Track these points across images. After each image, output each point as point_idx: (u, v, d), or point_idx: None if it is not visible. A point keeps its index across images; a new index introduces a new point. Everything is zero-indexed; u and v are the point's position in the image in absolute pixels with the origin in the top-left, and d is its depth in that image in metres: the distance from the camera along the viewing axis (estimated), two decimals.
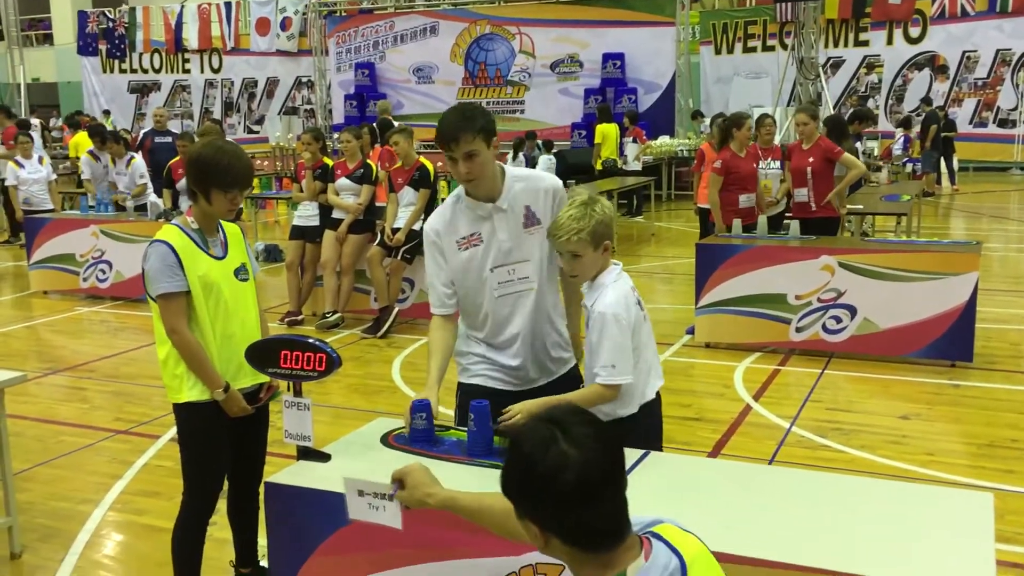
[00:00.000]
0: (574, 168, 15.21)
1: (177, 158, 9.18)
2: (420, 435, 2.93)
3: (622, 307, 2.87)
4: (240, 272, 3.37)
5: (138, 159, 10.48)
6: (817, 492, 2.60)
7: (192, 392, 3.25)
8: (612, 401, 2.89)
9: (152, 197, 9.90)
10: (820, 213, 7.54)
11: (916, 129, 16.56)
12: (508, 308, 3.14)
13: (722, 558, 1.71)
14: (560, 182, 3.22)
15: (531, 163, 14.58)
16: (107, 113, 23.84)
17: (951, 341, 6.35)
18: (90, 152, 10.89)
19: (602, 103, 16.86)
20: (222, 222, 3.40)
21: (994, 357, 6.70)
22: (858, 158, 10.23)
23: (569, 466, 1.54)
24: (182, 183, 8.91)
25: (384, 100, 15.68)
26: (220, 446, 3.35)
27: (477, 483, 2.66)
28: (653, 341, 3.08)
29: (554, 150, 15.62)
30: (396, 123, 11.96)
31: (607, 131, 14.83)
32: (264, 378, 3.35)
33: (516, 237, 3.08)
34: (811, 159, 7.53)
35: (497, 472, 2.68)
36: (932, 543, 2.24)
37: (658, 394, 3.07)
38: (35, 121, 19.89)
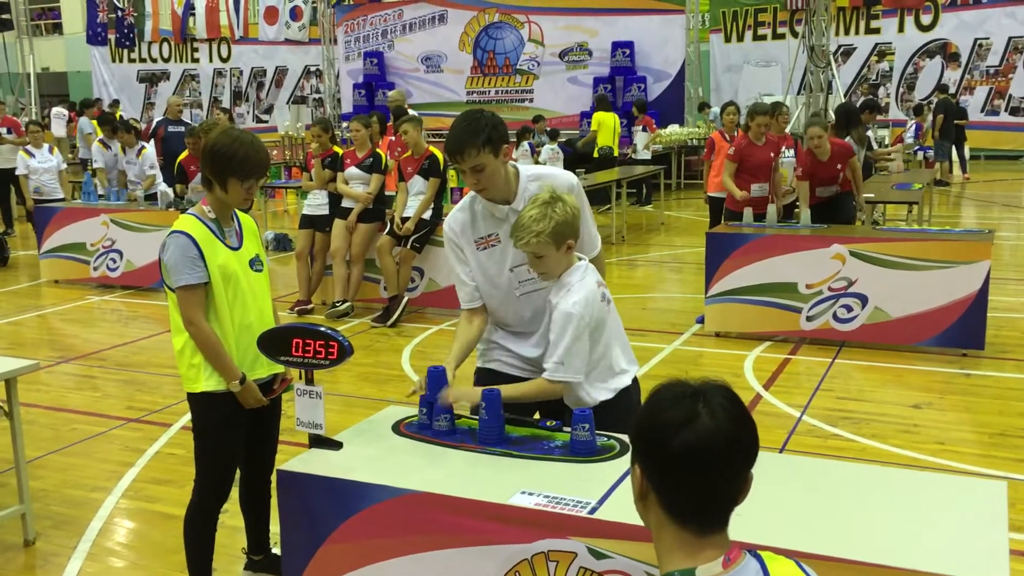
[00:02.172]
0: (582, 157, 15.15)
1: (186, 153, 9.20)
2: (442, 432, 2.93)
3: (586, 307, 2.90)
4: (255, 263, 3.37)
5: (149, 149, 10.49)
6: (828, 480, 2.60)
7: (209, 383, 3.25)
8: (562, 395, 2.97)
9: (162, 186, 9.92)
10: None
11: (929, 117, 16.48)
12: (530, 305, 3.15)
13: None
14: (575, 178, 3.20)
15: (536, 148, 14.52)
16: (116, 103, 23.87)
17: (963, 330, 6.33)
18: (100, 141, 10.90)
19: (599, 93, 16.71)
20: (237, 212, 3.40)
21: (1006, 346, 6.68)
22: (871, 145, 10.30)
23: (696, 425, 1.53)
24: (195, 181, 8.91)
25: (397, 90, 15.61)
26: (235, 436, 3.36)
27: (488, 471, 2.67)
28: (621, 328, 3.12)
29: (561, 139, 15.52)
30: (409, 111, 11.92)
31: (603, 119, 14.67)
32: (279, 368, 3.36)
33: None
34: (839, 166, 7.52)
35: (508, 460, 2.71)
36: (945, 532, 2.24)
37: (635, 380, 3.11)
38: (64, 111, 19.86)
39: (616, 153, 14.82)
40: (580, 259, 3.00)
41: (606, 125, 14.66)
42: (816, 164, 7.49)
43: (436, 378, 2.94)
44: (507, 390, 2.94)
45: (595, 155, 14.62)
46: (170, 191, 9.38)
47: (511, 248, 3.06)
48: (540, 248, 2.87)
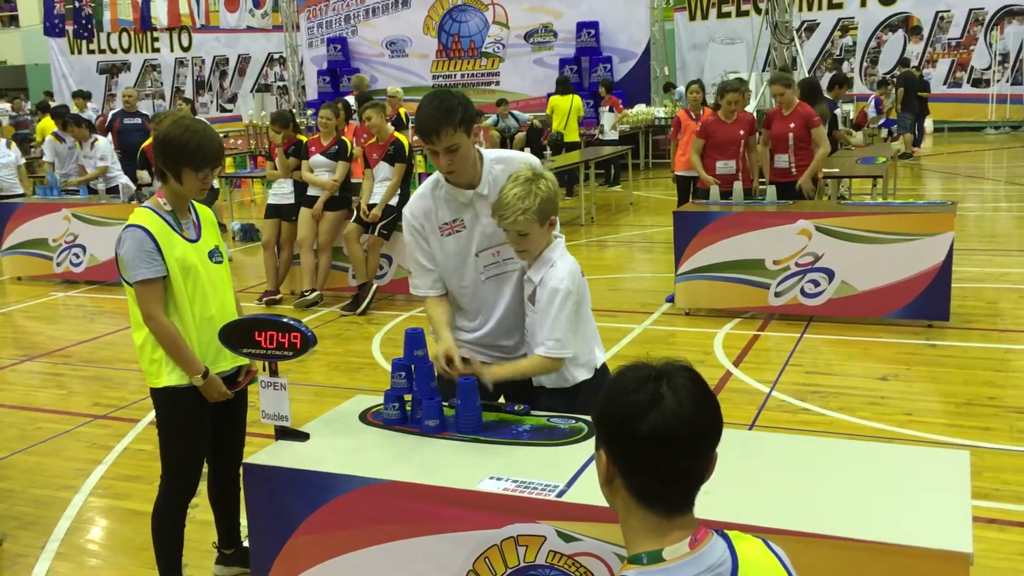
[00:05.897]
0: (551, 141, 15.08)
1: (150, 140, 9.06)
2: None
3: (573, 281, 2.89)
4: (214, 255, 3.33)
5: (101, 141, 10.31)
6: (797, 456, 2.61)
7: (171, 377, 3.21)
8: (557, 372, 2.94)
9: (123, 179, 9.77)
10: (799, 177, 7.58)
11: (892, 91, 16.60)
12: (494, 289, 3.11)
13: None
14: (537, 161, 3.18)
15: (506, 134, 14.44)
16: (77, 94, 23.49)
17: (928, 301, 6.39)
18: (54, 134, 10.71)
19: (561, 75, 16.53)
20: (194, 203, 3.35)
21: (970, 316, 6.76)
22: (836, 122, 10.30)
23: (661, 408, 1.52)
24: None
25: (359, 74, 15.43)
26: (199, 430, 3.32)
27: (456, 457, 2.66)
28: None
29: (526, 121, 15.39)
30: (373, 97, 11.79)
31: (557, 104, 14.44)
32: (244, 361, 3.32)
33: None
34: (792, 125, 7.53)
35: (476, 445, 2.70)
36: (909, 502, 2.26)
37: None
38: (4, 106, 19.52)
39: (567, 139, 14.60)
40: (558, 236, 2.99)
41: (560, 109, 14.47)
42: (775, 114, 7.69)
43: (470, 388, 2.79)
44: (503, 370, 2.94)
45: (544, 141, 14.46)
46: (131, 184, 9.25)
47: (477, 232, 3.03)
48: (526, 226, 2.83)
